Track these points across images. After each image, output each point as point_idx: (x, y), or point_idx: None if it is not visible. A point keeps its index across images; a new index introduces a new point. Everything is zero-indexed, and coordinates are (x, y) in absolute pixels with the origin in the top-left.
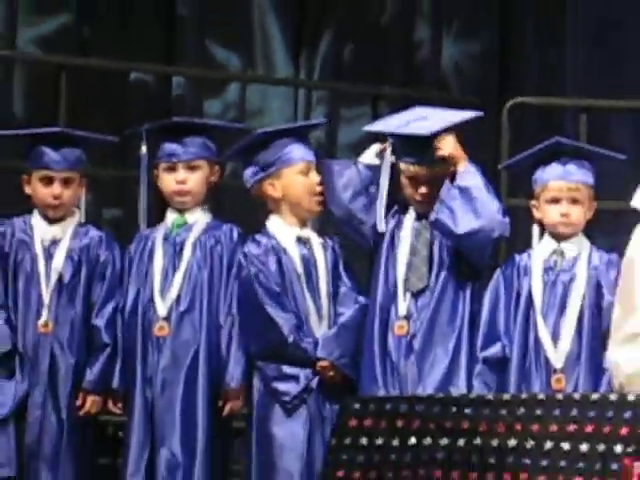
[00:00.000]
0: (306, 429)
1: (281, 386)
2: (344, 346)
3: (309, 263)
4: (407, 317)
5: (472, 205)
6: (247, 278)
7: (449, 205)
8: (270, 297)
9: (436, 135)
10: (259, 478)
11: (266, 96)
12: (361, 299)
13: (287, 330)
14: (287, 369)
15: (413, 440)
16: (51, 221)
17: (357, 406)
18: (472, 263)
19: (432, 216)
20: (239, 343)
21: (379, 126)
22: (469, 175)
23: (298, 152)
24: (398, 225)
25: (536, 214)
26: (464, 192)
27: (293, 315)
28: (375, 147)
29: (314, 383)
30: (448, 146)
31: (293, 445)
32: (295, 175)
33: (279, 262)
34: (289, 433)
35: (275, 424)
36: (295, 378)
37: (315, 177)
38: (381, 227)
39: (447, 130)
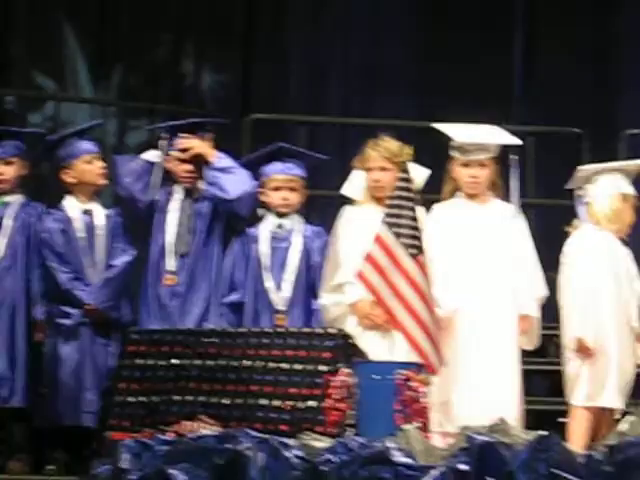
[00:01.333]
0: (79, 352)
1: (61, 321)
2: (107, 294)
3: (91, 229)
4: (174, 272)
5: (234, 177)
6: (40, 243)
7: (215, 182)
8: (54, 256)
9: (197, 124)
10: (53, 384)
11: (74, 111)
12: (128, 255)
13: (64, 281)
14: (66, 309)
15: (175, 361)
16: None
17: (135, 336)
18: (236, 222)
19: (207, 194)
20: (42, 289)
21: (162, 124)
22: (222, 159)
23: (82, 147)
24: (168, 200)
25: (263, 198)
26: (224, 170)
27: (71, 270)
28: (152, 151)
29: (85, 320)
30: (197, 145)
31: (70, 362)
32: (83, 164)
33: (65, 230)
34: (68, 353)
35: (59, 347)
36: (71, 316)
37: (98, 163)
38: (155, 194)
39: (202, 128)
